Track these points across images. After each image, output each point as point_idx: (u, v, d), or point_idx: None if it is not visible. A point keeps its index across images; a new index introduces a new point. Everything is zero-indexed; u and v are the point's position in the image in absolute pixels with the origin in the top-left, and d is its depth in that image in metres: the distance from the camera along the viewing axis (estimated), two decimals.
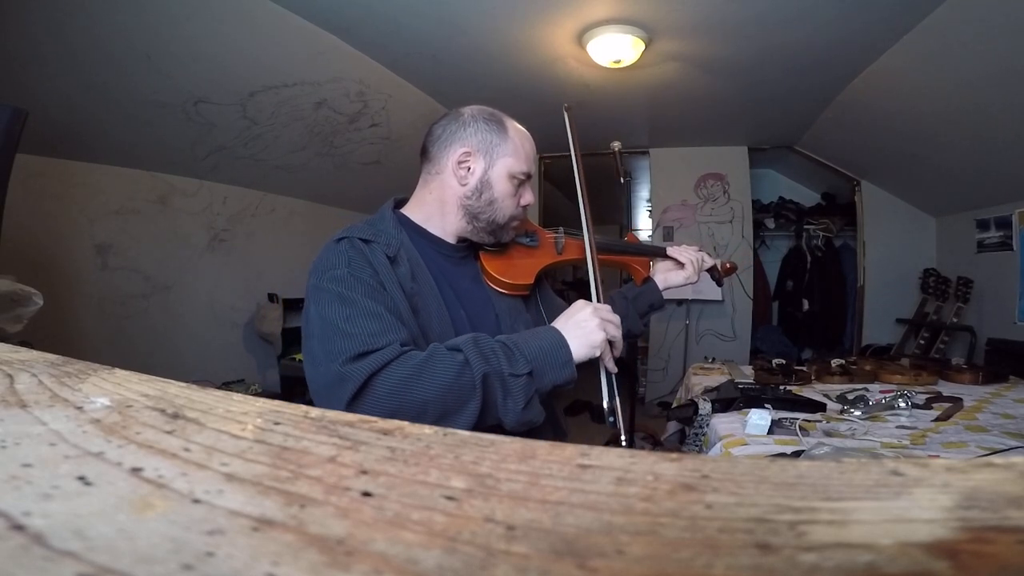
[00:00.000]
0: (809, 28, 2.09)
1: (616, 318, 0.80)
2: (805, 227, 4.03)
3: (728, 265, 1.22)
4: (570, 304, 0.88)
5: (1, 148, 1.00)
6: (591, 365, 0.80)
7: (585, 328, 0.76)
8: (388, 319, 0.72)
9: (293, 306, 3.18)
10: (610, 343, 0.78)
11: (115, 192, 2.42)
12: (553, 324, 0.78)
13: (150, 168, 2.53)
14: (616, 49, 2.24)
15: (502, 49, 2.36)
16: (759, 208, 4.08)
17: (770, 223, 4.14)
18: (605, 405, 0.78)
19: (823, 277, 3.95)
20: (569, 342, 0.75)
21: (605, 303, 0.84)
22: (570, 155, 0.97)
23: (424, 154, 0.88)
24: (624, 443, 0.79)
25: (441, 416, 0.68)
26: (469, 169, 0.85)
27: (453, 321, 0.82)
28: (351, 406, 0.66)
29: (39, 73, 1.82)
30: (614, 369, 0.80)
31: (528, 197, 0.89)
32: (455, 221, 0.87)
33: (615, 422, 0.77)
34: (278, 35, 2.13)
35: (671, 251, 1.15)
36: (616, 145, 2.35)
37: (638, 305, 1.10)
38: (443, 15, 2.08)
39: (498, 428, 0.73)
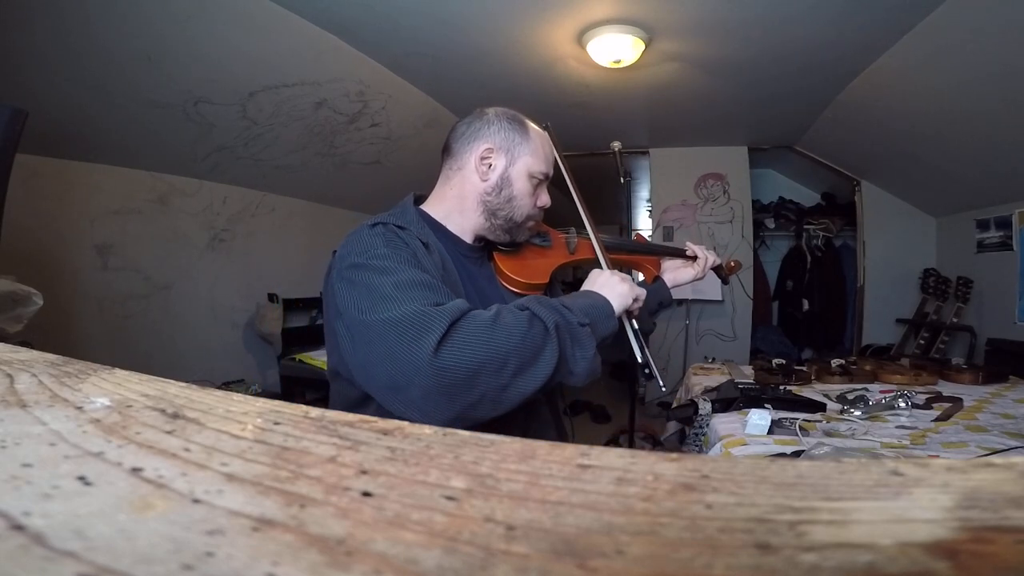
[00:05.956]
0: (809, 28, 2.09)
1: (628, 277, 0.87)
2: (805, 227, 4.03)
3: (732, 263, 1.25)
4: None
5: (1, 148, 1.00)
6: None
7: (611, 282, 0.85)
8: (437, 284, 0.71)
9: (293, 306, 3.17)
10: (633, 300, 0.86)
11: (115, 192, 2.41)
12: (582, 290, 0.85)
13: (150, 168, 2.53)
14: (616, 49, 2.23)
15: (502, 49, 2.36)
16: (759, 208, 4.07)
17: (770, 223, 4.13)
18: (639, 359, 0.86)
19: (823, 277, 3.95)
20: (607, 297, 0.82)
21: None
22: (559, 164, 1.00)
23: (446, 151, 0.90)
24: (663, 387, 0.87)
25: (520, 368, 0.66)
26: (490, 166, 0.86)
27: None
28: (437, 354, 0.61)
29: (39, 73, 1.82)
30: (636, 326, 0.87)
31: (545, 199, 0.91)
32: (474, 217, 0.88)
33: (651, 374, 0.85)
34: (278, 35, 2.12)
35: (690, 248, 1.18)
36: (616, 145, 2.36)
37: (649, 303, 1.11)
38: (443, 15, 2.08)
39: (501, 429, 0.72)
